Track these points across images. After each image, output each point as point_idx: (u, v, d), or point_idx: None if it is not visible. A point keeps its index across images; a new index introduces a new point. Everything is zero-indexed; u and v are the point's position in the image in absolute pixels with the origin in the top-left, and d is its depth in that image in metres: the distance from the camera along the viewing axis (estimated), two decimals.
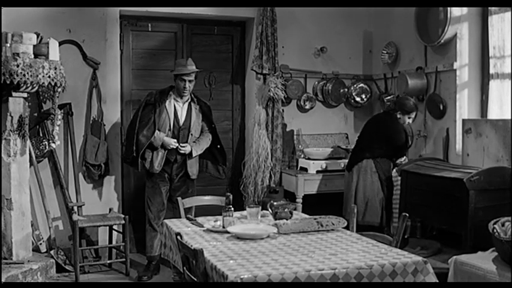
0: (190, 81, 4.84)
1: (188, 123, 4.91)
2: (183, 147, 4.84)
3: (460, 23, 4.91)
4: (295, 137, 5.91)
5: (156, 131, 4.81)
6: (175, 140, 4.83)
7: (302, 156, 5.83)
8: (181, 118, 4.90)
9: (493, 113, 4.76)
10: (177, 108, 4.90)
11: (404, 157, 5.01)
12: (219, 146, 5.13)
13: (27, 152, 4.64)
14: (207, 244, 2.90)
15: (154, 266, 4.92)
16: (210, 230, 3.21)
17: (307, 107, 5.96)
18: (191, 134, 4.92)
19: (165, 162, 4.86)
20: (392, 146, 4.92)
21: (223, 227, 3.19)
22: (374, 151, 4.92)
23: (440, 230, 4.56)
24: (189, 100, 4.95)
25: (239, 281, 2.33)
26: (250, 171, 5.68)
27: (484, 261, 3.44)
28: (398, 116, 4.94)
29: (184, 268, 2.89)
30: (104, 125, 5.29)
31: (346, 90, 6.05)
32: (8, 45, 4.32)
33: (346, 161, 5.34)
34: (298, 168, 5.73)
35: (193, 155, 4.92)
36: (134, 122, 4.87)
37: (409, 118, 4.96)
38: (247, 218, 3.35)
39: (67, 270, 4.84)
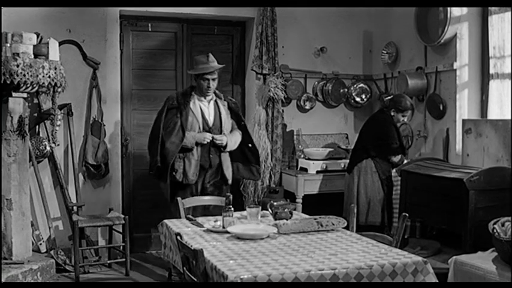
0: (213, 79, 4.51)
1: (218, 122, 4.58)
2: (219, 138, 4.48)
3: (460, 23, 4.91)
4: (295, 137, 5.91)
5: (186, 132, 4.45)
6: (208, 133, 4.47)
7: (302, 156, 5.83)
8: (210, 118, 4.57)
9: (493, 113, 4.76)
10: (203, 108, 4.57)
11: (400, 156, 4.96)
12: (250, 145, 4.75)
13: (27, 152, 4.64)
14: (207, 244, 2.90)
15: None
16: (210, 230, 3.21)
17: (307, 107, 5.96)
18: (224, 134, 4.59)
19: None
20: (382, 144, 4.90)
21: (223, 227, 3.19)
22: (369, 151, 4.92)
23: (440, 230, 4.55)
24: (214, 98, 4.63)
25: (239, 281, 2.33)
26: None
27: (484, 261, 3.44)
28: (392, 113, 4.93)
29: (184, 268, 2.89)
30: (104, 125, 5.29)
31: (346, 90, 6.05)
32: (8, 45, 4.32)
33: (346, 161, 5.34)
34: (298, 169, 5.73)
35: (229, 148, 4.54)
36: (157, 129, 4.49)
37: (403, 117, 4.94)
38: (247, 218, 3.35)
39: (67, 270, 4.84)
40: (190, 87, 4.69)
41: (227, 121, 4.64)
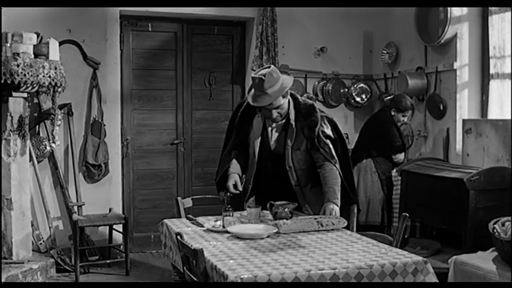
0: (277, 107, 3.39)
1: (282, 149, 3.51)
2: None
3: (460, 23, 4.91)
4: None
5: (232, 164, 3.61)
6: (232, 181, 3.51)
7: None
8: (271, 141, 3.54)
9: (493, 113, 4.76)
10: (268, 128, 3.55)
11: (403, 154, 4.98)
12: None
13: (27, 152, 4.64)
14: (207, 244, 2.90)
15: None
16: (210, 230, 3.21)
17: None
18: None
19: None
20: (384, 143, 4.90)
21: (224, 227, 3.19)
22: (370, 150, 4.92)
23: (440, 230, 4.55)
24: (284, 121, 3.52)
25: (239, 280, 2.32)
26: None
27: (484, 261, 3.44)
28: (393, 113, 4.94)
29: (185, 268, 2.89)
30: (104, 125, 5.29)
31: (346, 90, 6.05)
32: (8, 45, 4.32)
33: None
34: None
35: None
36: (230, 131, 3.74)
37: (403, 116, 4.95)
38: (247, 218, 3.35)
39: (67, 270, 4.83)
40: None
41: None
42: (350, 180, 3.63)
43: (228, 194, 3.37)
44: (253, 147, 3.53)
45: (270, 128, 3.54)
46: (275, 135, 3.52)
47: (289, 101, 3.50)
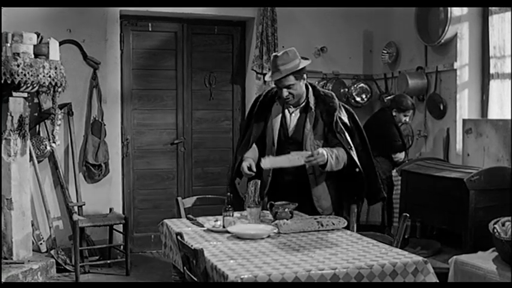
0: (288, 86, 3.40)
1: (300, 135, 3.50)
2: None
3: (460, 23, 4.91)
4: None
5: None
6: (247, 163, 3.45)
7: None
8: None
9: (494, 113, 4.76)
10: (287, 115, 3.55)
11: (403, 153, 4.98)
12: (357, 170, 3.48)
13: (28, 152, 4.64)
14: (207, 244, 2.90)
15: None
16: (211, 230, 3.21)
17: None
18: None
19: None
20: (384, 142, 4.90)
21: (224, 227, 3.19)
22: (371, 150, 4.92)
23: (441, 230, 4.55)
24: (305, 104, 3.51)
25: (239, 280, 2.32)
26: None
27: (484, 261, 3.44)
28: (394, 113, 4.94)
29: (185, 268, 2.89)
30: (105, 125, 5.29)
31: (346, 90, 6.04)
32: (9, 45, 4.33)
33: None
34: None
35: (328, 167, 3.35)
36: (246, 127, 3.71)
37: (405, 116, 4.95)
38: (248, 218, 3.35)
39: (67, 270, 4.84)
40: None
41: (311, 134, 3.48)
42: (372, 173, 3.58)
43: (229, 194, 3.37)
44: (272, 135, 3.52)
45: (288, 114, 3.52)
46: (294, 120, 3.51)
47: (308, 87, 3.52)
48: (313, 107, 3.48)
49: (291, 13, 5.80)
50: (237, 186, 3.71)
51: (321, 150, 3.31)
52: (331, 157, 3.33)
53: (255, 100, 3.73)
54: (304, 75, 3.45)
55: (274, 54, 3.45)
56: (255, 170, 3.45)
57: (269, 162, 3.37)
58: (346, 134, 3.47)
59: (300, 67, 3.37)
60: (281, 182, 3.52)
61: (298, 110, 3.52)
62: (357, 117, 3.65)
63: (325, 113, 3.47)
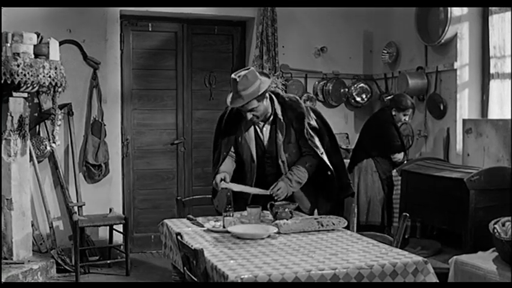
0: (251, 110, 3.35)
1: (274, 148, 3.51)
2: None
3: (460, 23, 4.91)
4: None
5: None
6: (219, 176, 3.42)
7: None
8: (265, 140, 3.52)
9: (494, 113, 4.76)
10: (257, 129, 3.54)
11: (402, 153, 4.97)
12: (329, 173, 3.53)
13: (28, 152, 4.64)
14: (207, 244, 2.90)
15: None
16: (211, 230, 3.21)
17: None
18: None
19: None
20: (383, 142, 4.90)
21: (224, 227, 3.19)
22: (370, 150, 4.92)
23: (441, 230, 4.56)
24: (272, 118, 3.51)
25: (239, 281, 2.32)
26: None
27: (484, 261, 3.44)
28: (394, 113, 4.93)
29: (185, 268, 2.89)
30: (105, 125, 5.29)
31: (346, 90, 6.05)
32: (9, 45, 4.33)
33: (347, 160, 5.32)
34: None
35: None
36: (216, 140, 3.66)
37: (404, 116, 4.95)
38: (248, 218, 3.35)
39: (67, 270, 4.83)
40: None
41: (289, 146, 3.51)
42: (341, 169, 3.63)
43: (229, 194, 3.37)
44: (250, 152, 3.51)
45: (259, 129, 3.52)
46: (266, 134, 3.51)
47: (271, 98, 3.50)
48: (281, 117, 3.47)
49: (291, 13, 5.80)
50: (217, 208, 3.67)
51: (279, 183, 3.38)
52: (291, 185, 3.41)
53: (220, 119, 3.68)
54: (267, 94, 3.40)
55: (233, 77, 3.30)
56: (228, 181, 3.43)
57: (236, 186, 3.47)
58: (316, 139, 3.50)
59: (261, 91, 3.30)
60: (263, 183, 3.50)
61: (267, 123, 3.51)
62: (323, 116, 3.67)
63: (295, 120, 3.48)
